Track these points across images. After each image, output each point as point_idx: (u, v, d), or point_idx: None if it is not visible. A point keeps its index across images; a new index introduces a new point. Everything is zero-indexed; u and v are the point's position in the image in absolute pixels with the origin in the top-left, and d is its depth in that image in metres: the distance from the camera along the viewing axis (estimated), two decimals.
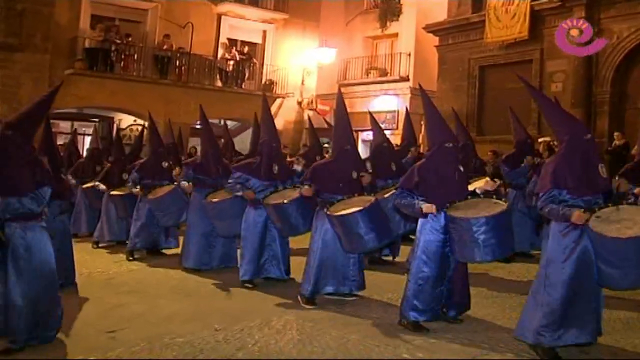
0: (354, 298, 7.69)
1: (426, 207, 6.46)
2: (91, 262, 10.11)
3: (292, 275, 8.56)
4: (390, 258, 10.15)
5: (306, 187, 7.65)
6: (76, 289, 8.02)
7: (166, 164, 10.61)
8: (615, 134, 16.91)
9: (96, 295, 7.82)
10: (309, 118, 16.06)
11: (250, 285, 8.34)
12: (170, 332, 6.20)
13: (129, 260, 10.23)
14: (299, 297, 7.53)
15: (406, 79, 25.56)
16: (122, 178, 11.35)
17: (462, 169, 6.85)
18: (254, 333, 6.25)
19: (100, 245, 11.53)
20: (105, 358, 5.50)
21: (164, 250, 10.72)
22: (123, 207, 11.15)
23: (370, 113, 11.74)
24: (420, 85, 7.73)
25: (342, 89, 27.68)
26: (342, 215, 7.09)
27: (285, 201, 8.00)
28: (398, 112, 25.11)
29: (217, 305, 7.46)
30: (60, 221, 7.92)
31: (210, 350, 5.75)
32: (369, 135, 19.94)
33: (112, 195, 11.37)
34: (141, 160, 11.00)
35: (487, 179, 7.17)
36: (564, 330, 5.52)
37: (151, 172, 10.47)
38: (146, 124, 14.23)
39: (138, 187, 10.44)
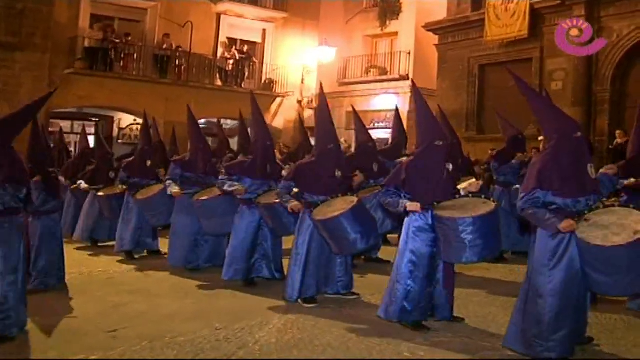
0: (354, 297, 7.68)
1: (410, 205, 6.37)
2: (91, 261, 10.12)
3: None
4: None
5: (295, 202, 7.48)
6: (66, 288, 7.95)
7: (149, 163, 10.57)
8: (617, 132, 16.94)
9: (97, 295, 7.81)
10: (299, 116, 15.94)
11: (249, 285, 8.33)
12: (171, 331, 6.20)
13: (128, 260, 10.21)
14: (298, 299, 7.50)
15: (406, 78, 25.52)
16: (109, 177, 11.31)
17: (450, 167, 6.73)
18: (255, 332, 6.24)
19: (99, 245, 11.50)
20: (106, 357, 5.49)
21: (163, 250, 10.69)
22: (108, 208, 11.08)
23: (354, 110, 11.62)
24: (412, 81, 7.69)
25: (343, 88, 27.66)
26: (325, 220, 7.00)
27: (276, 201, 7.98)
28: (395, 110, 25.08)
29: (218, 305, 7.46)
30: (52, 219, 7.90)
31: (211, 349, 5.74)
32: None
33: (99, 196, 11.27)
34: (128, 160, 10.96)
35: (472, 180, 7.11)
36: (554, 342, 5.35)
37: (137, 171, 10.45)
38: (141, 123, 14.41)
39: (124, 185, 10.42)
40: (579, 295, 5.43)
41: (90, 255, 10.76)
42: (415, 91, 7.12)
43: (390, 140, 12.30)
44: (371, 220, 7.40)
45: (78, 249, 11.26)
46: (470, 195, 6.73)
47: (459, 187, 7.04)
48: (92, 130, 23.52)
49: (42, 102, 6.30)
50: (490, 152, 14.25)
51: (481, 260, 6.50)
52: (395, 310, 6.46)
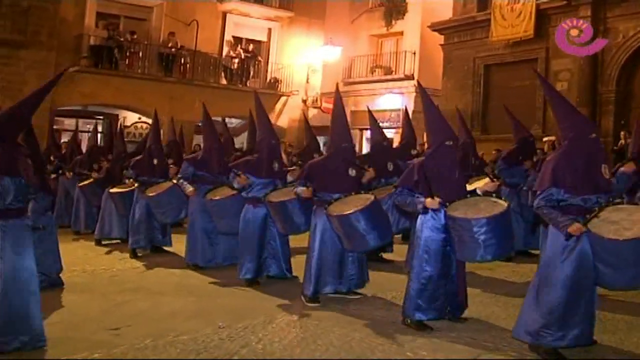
0: (357, 296, 7.68)
1: (429, 202, 6.43)
2: (95, 259, 10.12)
3: (295, 273, 8.55)
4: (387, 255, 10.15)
5: (303, 188, 7.57)
6: (62, 286, 7.88)
7: (156, 161, 10.57)
8: (622, 133, 16.88)
9: (100, 293, 7.82)
10: (305, 116, 15.97)
11: (253, 283, 8.34)
12: (174, 329, 6.21)
13: (133, 258, 10.22)
14: (302, 297, 7.53)
15: (411, 78, 25.51)
16: (123, 175, 11.37)
17: (460, 168, 6.80)
18: (258, 331, 6.25)
19: (103, 242, 11.52)
20: (109, 355, 5.50)
21: (166, 248, 10.70)
22: (122, 205, 11.12)
23: (369, 110, 11.63)
24: (419, 83, 7.72)
25: (347, 88, 27.66)
26: (342, 215, 7.03)
27: (287, 199, 7.99)
28: (402, 110, 25.07)
29: (221, 303, 7.46)
30: (48, 217, 7.79)
31: (214, 347, 5.75)
32: None
33: (111, 192, 11.33)
34: (136, 158, 11.00)
35: (488, 179, 7.15)
36: (564, 332, 5.48)
37: (146, 169, 10.47)
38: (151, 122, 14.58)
39: (136, 182, 10.45)
40: (589, 289, 5.54)
41: (93, 253, 10.76)
42: (423, 92, 7.19)
43: (399, 140, 12.38)
44: (385, 219, 7.49)
45: (81, 247, 11.28)
46: (482, 195, 6.75)
47: (474, 186, 7.06)
48: (98, 128, 23.60)
49: (38, 99, 5.86)
50: (494, 152, 14.22)
51: (495, 258, 6.60)
52: (409, 307, 6.50)
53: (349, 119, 25.75)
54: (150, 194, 10.06)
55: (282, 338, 6.08)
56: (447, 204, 6.42)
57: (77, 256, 10.16)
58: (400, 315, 6.63)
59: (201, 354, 5.57)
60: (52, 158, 14.19)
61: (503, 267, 9.64)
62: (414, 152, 11.19)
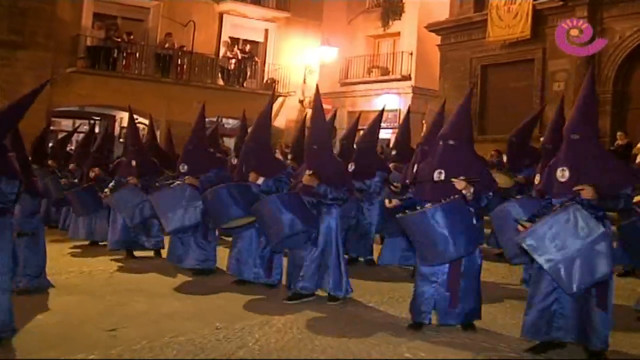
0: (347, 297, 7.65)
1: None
2: (92, 260, 10.09)
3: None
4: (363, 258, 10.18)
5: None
6: (49, 288, 7.75)
7: (134, 162, 10.40)
8: (618, 133, 16.90)
9: (97, 294, 7.80)
10: (306, 116, 15.94)
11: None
12: (171, 330, 6.20)
13: (130, 259, 10.20)
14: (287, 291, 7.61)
15: (408, 78, 25.57)
16: (89, 176, 11.29)
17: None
18: (255, 332, 6.25)
19: (96, 243, 11.43)
20: (105, 356, 5.49)
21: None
22: (78, 205, 11.12)
23: (382, 111, 11.42)
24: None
25: (344, 88, 27.59)
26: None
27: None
28: (400, 111, 25.12)
29: (218, 304, 7.46)
30: (36, 220, 7.68)
31: (211, 348, 5.74)
32: None
33: (67, 193, 11.33)
34: (119, 159, 10.94)
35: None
36: (547, 327, 5.66)
37: (122, 170, 10.46)
38: (147, 122, 14.56)
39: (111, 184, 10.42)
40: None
41: (90, 254, 10.73)
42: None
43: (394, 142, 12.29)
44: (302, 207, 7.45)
45: (78, 248, 11.25)
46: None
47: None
48: (95, 129, 23.54)
49: (32, 98, 5.90)
50: (492, 152, 14.22)
51: (468, 252, 6.24)
52: (412, 311, 6.49)
53: (345, 119, 25.66)
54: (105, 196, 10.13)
55: (279, 339, 6.08)
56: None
57: (74, 257, 10.15)
58: (397, 316, 6.65)
59: (198, 355, 5.56)
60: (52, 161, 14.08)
61: (500, 268, 9.65)
62: (393, 152, 11.05)
